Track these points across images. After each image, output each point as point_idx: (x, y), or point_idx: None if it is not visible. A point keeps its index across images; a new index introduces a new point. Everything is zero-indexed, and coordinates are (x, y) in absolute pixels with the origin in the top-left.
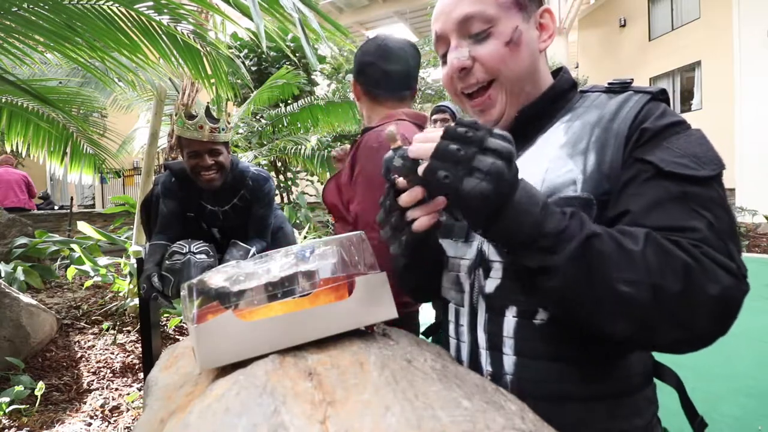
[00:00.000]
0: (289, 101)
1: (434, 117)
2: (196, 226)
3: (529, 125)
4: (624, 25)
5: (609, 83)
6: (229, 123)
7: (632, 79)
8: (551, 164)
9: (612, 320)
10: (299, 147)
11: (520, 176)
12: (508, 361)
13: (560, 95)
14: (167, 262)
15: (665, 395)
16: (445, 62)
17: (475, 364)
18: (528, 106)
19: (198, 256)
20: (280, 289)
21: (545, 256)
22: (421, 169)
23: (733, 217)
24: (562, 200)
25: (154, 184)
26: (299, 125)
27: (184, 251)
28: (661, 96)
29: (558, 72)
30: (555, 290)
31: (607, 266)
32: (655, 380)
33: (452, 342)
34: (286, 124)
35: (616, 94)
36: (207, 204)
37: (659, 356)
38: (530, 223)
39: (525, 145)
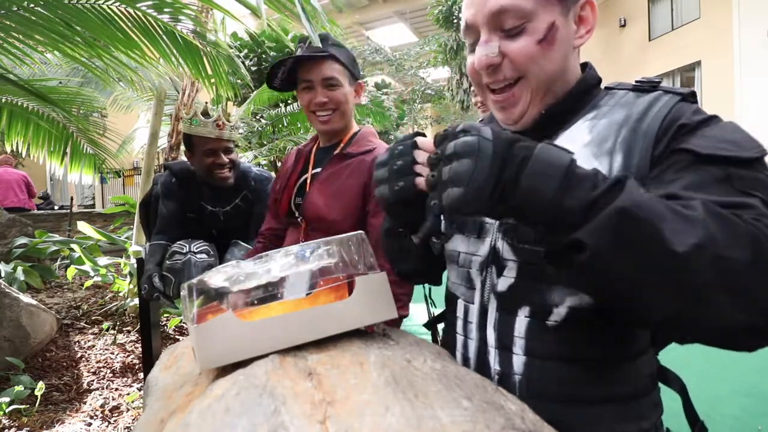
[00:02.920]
0: (289, 101)
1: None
2: (195, 226)
3: (551, 122)
4: (624, 25)
5: (637, 81)
6: (233, 116)
7: (661, 79)
8: None
9: (665, 295)
10: None
11: (537, 148)
12: (518, 361)
13: (586, 92)
14: (168, 262)
15: (665, 396)
16: (472, 51)
17: (482, 363)
18: (554, 105)
19: (198, 255)
20: (280, 289)
21: (568, 231)
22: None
23: None
24: None
25: (153, 184)
26: (299, 125)
27: (184, 251)
28: (691, 98)
29: (583, 67)
30: (588, 266)
31: (659, 231)
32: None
33: (459, 339)
34: (286, 124)
35: (645, 93)
36: (207, 205)
37: (663, 360)
38: (544, 202)
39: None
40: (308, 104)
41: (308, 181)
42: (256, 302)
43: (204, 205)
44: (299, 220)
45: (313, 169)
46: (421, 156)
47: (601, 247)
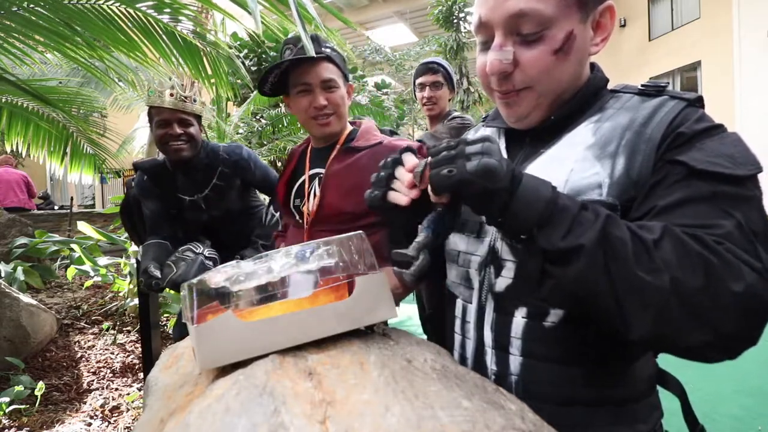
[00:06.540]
0: None
1: (421, 80)
2: (186, 224)
3: (556, 124)
4: (624, 25)
5: (643, 85)
6: (200, 96)
7: (667, 83)
8: (576, 165)
9: (632, 315)
10: None
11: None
12: (514, 361)
13: (593, 94)
14: (177, 254)
15: (665, 396)
16: (483, 50)
17: (479, 363)
18: (561, 109)
19: (207, 261)
20: (280, 289)
21: (570, 238)
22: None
23: (767, 221)
24: None
25: (128, 188)
26: (299, 125)
27: (197, 251)
28: (698, 103)
29: (591, 67)
30: (573, 279)
31: (625, 254)
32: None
33: (457, 338)
34: (286, 124)
35: (650, 98)
36: (185, 195)
37: (663, 364)
38: (543, 202)
39: (549, 143)
40: (306, 108)
41: (307, 181)
42: (256, 302)
43: (181, 196)
44: (299, 221)
45: (310, 169)
46: (400, 172)
47: (593, 258)
